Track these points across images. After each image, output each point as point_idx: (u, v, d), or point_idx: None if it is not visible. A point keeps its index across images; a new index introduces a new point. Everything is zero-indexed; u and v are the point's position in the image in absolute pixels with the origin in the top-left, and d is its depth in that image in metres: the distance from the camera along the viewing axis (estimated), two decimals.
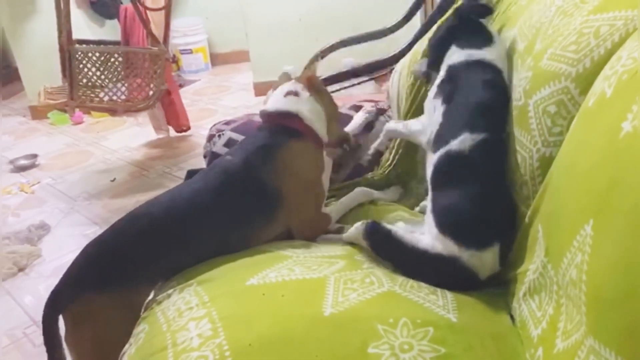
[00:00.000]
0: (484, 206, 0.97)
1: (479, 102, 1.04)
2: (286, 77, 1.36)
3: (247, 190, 1.14)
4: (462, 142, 1.00)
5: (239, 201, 1.13)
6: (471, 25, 1.16)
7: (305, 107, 1.25)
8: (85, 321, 1.04)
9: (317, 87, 1.31)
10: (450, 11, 1.27)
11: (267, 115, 1.27)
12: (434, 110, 1.11)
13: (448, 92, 1.09)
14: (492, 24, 1.29)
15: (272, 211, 1.15)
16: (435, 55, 1.20)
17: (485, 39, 1.12)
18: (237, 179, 1.14)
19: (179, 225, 1.09)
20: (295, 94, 1.27)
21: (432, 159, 1.07)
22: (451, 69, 1.13)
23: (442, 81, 1.13)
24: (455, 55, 1.13)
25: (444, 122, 1.07)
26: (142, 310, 1.04)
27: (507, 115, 1.02)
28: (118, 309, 1.04)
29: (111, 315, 1.04)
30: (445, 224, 0.97)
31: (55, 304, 1.04)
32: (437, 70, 1.17)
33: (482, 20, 1.17)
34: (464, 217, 0.97)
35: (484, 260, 0.95)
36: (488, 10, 1.20)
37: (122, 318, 1.02)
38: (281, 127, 1.23)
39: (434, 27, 1.31)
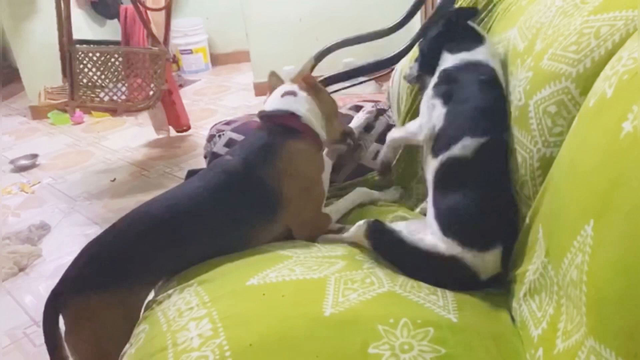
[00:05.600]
0: (487, 208, 0.97)
1: (477, 105, 1.04)
2: (275, 77, 1.37)
3: (247, 191, 1.14)
4: (463, 147, 1.00)
5: (239, 202, 1.13)
6: (459, 30, 1.18)
7: (303, 106, 1.26)
8: (85, 320, 1.04)
9: (314, 86, 1.32)
10: (438, 18, 1.30)
11: (265, 116, 1.27)
12: (433, 108, 1.10)
13: (446, 93, 1.09)
14: (490, 25, 1.29)
15: (272, 212, 1.15)
16: (427, 60, 1.22)
17: (474, 40, 1.14)
18: (236, 180, 1.14)
19: (179, 225, 1.09)
20: (293, 94, 1.28)
21: (432, 163, 1.06)
22: (445, 72, 1.14)
23: (437, 83, 1.13)
24: (448, 61, 1.15)
25: (445, 126, 1.06)
26: (143, 309, 1.04)
27: (505, 113, 1.03)
28: (118, 309, 1.04)
29: (111, 314, 1.04)
30: (449, 226, 0.98)
31: (55, 303, 1.04)
32: (431, 74, 1.18)
33: (470, 23, 1.19)
34: (467, 219, 0.97)
35: (486, 262, 0.95)
36: (473, 13, 1.24)
37: (121, 317, 1.02)
38: (280, 126, 1.23)
39: (421, 31, 1.35)
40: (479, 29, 1.20)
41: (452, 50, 1.16)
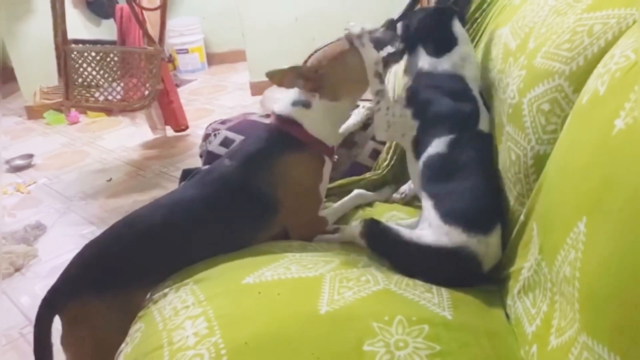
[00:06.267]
0: (482, 193, 1.02)
1: (442, 113, 1.10)
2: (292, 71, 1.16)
3: (244, 197, 1.14)
4: (436, 146, 1.07)
5: (236, 207, 1.13)
6: (438, 26, 1.17)
7: (314, 116, 1.19)
8: (82, 323, 1.04)
9: (324, 87, 1.19)
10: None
11: (275, 117, 1.23)
12: (400, 116, 1.16)
13: (417, 108, 1.14)
14: (485, 24, 1.29)
15: (269, 217, 1.16)
16: (408, 44, 1.21)
17: (446, 43, 1.15)
18: (234, 186, 1.14)
19: (176, 229, 1.10)
20: (307, 105, 1.19)
21: (417, 166, 1.12)
22: (417, 81, 1.17)
23: (411, 92, 1.17)
24: (422, 61, 1.17)
25: (418, 136, 1.13)
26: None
27: (474, 116, 1.09)
28: (114, 311, 1.04)
29: (107, 317, 1.04)
30: (451, 215, 0.99)
31: (51, 304, 1.04)
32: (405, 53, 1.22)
33: (452, 20, 1.16)
34: (468, 205, 1.00)
35: (490, 245, 0.97)
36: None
37: (118, 320, 1.02)
38: (285, 133, 1.20)
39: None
40: (455, 27, 1.16)
41: (427, 50, 1.17)
